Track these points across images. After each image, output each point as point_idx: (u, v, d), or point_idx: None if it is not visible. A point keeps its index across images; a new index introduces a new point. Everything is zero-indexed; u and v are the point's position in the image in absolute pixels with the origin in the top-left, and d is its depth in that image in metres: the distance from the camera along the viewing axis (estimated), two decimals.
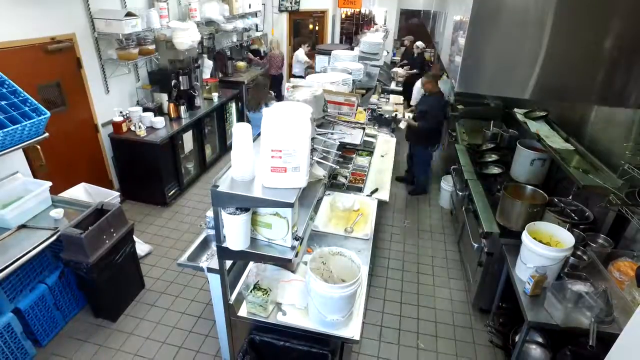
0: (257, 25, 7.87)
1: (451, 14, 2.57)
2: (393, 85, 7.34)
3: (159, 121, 4.69)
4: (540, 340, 2.86)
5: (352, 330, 2.11)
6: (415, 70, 8.17)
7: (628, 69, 1.56)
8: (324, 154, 2.11)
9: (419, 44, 8.68)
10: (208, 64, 6.17)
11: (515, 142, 3.84)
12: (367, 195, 3.43)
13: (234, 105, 6.47)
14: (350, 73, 3.51)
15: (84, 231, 2.83)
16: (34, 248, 2.71)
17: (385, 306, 3.52)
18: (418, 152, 5.12)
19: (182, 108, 5.02)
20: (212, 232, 2.79)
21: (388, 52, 9.20)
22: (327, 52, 4.59)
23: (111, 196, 3.70)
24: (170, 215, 4.72)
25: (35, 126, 2.78)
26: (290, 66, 9.14)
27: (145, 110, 4.79)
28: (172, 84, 5.04)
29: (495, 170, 4.03)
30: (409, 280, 3.85)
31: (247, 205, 1.78)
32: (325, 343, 2.18)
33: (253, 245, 1.91)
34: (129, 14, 4.19)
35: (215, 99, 5.76)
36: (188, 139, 5.11)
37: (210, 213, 2.70)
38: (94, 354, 2.98)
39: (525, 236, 2.56)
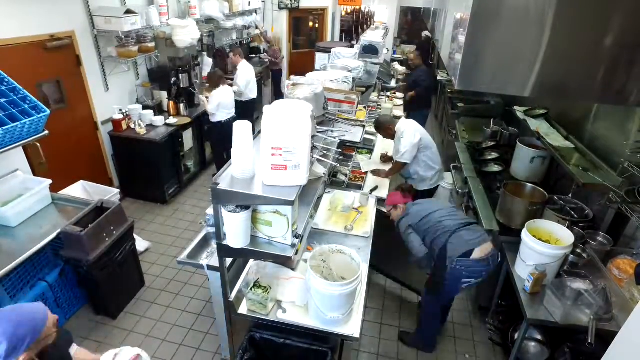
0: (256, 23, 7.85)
1: (451, 11, 2.56)
2: (393, 83, 7.32)
3: (159, 119, 4.68)
4: (539, 337, 2.87)
5: (352, 328, 2.12)
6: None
7: (628, 67, 1.56)
8: (324, 152, 2.10)
9: (426, 32, 9.47)
10: (208, 62, 6.15)
11: (515, 140, 3.84)
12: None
13: None
14: (350, 71, 3.51)
15: (84, 229, 2.83)
16: (34, 246, 2.71)
17: (385, 304, 3.53)
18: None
19: (182, 106, 5.02)
20: (212, 229, 2.79)
21: (388, 50, 9.19)
22: (327, 50, 4.58)
23: (110, 194, 3.70)
24: (170, 213, 4.72)
25: (34, 124, 2.78)
26: (290, 64, 9.12)
27: (145, 108, 4.79)
28: (172, 81, 5.03)
29: (495, 168, 4.04)
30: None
31: (247, 203, 1.78)
32: (325, 340, 2.18)
33: (253, 243, 1.91)
34: (128, 12, 4.18)
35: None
36: (188, 137, 5.11)
37: (210, 211, 2.70)
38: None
39: (524, 234, 2.57)
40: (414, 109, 6.01)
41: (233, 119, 4.94)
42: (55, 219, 3.05)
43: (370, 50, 5.04)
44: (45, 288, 2.93)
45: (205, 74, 6.09)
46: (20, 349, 1.32)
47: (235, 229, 1.83)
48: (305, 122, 1.66)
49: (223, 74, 5.20)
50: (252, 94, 5.87)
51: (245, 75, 5.64)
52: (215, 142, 5.35)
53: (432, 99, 6.41)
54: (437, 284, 2.70)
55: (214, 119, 4.97)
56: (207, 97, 4.89)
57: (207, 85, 5.21)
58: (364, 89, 4.98)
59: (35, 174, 3.40)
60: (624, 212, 2.40)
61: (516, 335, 2.79)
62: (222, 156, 5.33)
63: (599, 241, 2.84)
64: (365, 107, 3.86)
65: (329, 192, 3.34)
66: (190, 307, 3.41)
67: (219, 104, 4.85)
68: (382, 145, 4.49)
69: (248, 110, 5.76)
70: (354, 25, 10.36)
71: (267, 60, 7.86)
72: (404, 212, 2.86)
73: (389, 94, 6.43)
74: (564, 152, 3.16)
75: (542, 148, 3.49)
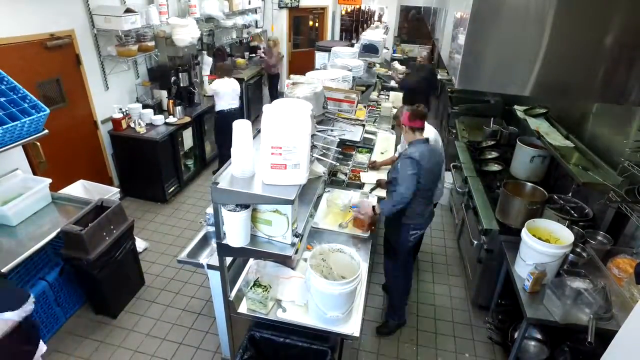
0: (256, 22, 7.84)
1: (451, 10, 2.56)
2: (393, 83, 7.30)
3: (159, 118, 4.68)
4: (539, 336, 2.87)
5: (351, 327, 2.12)
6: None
7: (628, 66, 1.56)
8: (324, 151, 2.10)
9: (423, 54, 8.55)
10: (208, 61, 6.15)
11: (515, 139, 3.84)
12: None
13: None
14: (350, 70, 3.51)
15: (84, 228, 2.83)
16: (34, 245, 2.71)
17: (385, 303, 3.53)
18: None
19: (179, 109, 4.94)
20: (212, 229, 2.79)
21: (388, 49, 9.16)
22: (327, 49, 4.58)
23: (110, 192, 3.70)
24: (170, 212, 4.73)
25: (34, 123, 2.78)
26: (290, 63, 9.12)
27: (144, 107, 4.79)
28: (172, 80, 5.03)
29: (495, 167, 4.03)
30: None
31: (247, 202, 1.78)
32: (325, 339, 2.18)
33: (253, 242, 1.91)
34: (128, 11, 4.17)
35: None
36: (188, 136, 5.11)
37: (210, 210, 2.70)
38: (95, 350, 2.99)
39: (524, 233, 2.57)
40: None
41: (235, 111, 5.23)
42: (55, 218, 3.05)
43: (370, 49, 5.04)
44: (45, 287, 2.93)
45: (205, 72, 6.09)
46: None
47: (235, 228, 1.83)
48: (305, 121, 1.66)
49: (232, 67, 5.40)
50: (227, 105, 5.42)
51: (218, 87, 5.11)
52: (217, 132, 5.47)
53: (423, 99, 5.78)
54: (392, 246, 3.04)
55: (216, 108, 5.18)
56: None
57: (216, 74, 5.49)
58: (364, 88, 4.98)
59: (35, 173, 3.40)
60: (624, 211, 2.40)
61: (516, 335, 2.79)
62: (222, 147, 5.44)
63: (599, 240, 2.85)
64: (365, 106, 3.86)
65: (328, 191, 3.34)
66: (190, 306, 3.41)
67: (214, 90, 5.04)
68: (382, 145, 4.48)
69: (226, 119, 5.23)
70: (354, 24, 10.35)
71: (262, 59, 7.51)
72: (408, 137, 2.82)
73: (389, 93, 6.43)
74: (563, 152, 3.16)
75: (542, 147, 3.49)
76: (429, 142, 2.82)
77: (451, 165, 4.46)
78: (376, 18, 10.19)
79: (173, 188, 4.96)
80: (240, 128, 1.68)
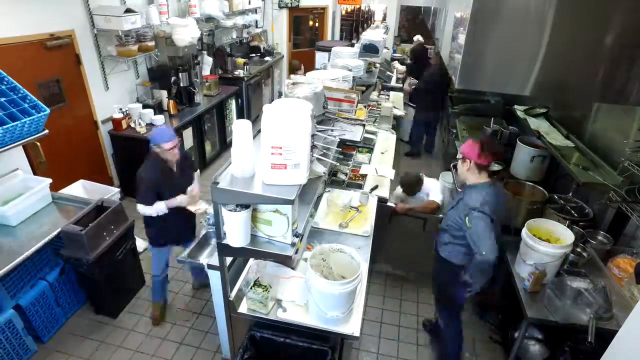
0: (256, 22, 7.84)
1: (451, 10, 2.56)
2: (393, 82, 7.30)
3: (159, 118, 4.68)
4: (539, 336, 2.87)
5: (352, 327, 2.12)
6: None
7: (629, 66, 1.56)
8: (324, 151, 2.10)
9: (419, 37, 9.01)
10: (208, 61, 6.15)
11: (515, 139, 3.83)
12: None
13: (233, 102, 6.46)
14: (350, 70, 3.50)
15: (84, 228, 2.83)
16: (34, 245, 2.71)
17: (385, 303, 3.53)
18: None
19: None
20: (212, 228, 2.79)
21: (388, 49, 9.17)
22: (327, 49, 4.57)
23: (110, 193, 3.70)
24: None
25: (34, 123, 2.78)
26: (290, 63, 9.12)
27: (145, 107, 4.79)
28: (172, 80, 5.03)
29: (495, 167, 4.03)
30: (408, 277, 3.85)
31: (247, 202, 1.78)
32: (325, 339, 2.18)
33: (253, 242, 1.91)
34: (128, 11, 4.18)
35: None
36: (188, 136, 5.11)
37: (210, 210, 2.70)
38: (95, 350, 2.99)
39: (524, 233, 2.57)
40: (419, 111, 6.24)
41: None
42: (55, 218, 3.05)
43: (370, 49, 5.03)
44: (45, 287, 2.93)
45: (205, 72, 6.09)
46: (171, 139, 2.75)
47: (235, 228, 1.83)
48: (305, 121, 1.65)
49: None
50: None
51: None
52: None
53: (438, 100, 6.21)
54: (449, 295, 2.65)
55: None
56: None
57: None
58: (364, 87, 4.97)
59: (35, 173, 3.40)
60: (624, 211, 2.40)
61: (516, 334, 2.79)
62: None
63: (599, 240, 2.85)
64: (365, 106, 3.86)
65: (328, 191, 3.34)
66: (190, 306, 3.41)
67: None
68: (382, 145, 4.48)
69: None
70: (354, 24, 10.33)
71: None
72: (469, 177, 2.43)
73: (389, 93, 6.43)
74: (564, 151, 3.16)
75: (542, 147, 3.49)
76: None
77: (451, 165, 4.45)
78: (380, 18, 10.18)
79: None
80: (240, 128, 1.68)
